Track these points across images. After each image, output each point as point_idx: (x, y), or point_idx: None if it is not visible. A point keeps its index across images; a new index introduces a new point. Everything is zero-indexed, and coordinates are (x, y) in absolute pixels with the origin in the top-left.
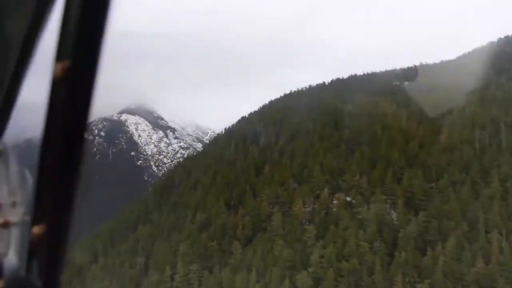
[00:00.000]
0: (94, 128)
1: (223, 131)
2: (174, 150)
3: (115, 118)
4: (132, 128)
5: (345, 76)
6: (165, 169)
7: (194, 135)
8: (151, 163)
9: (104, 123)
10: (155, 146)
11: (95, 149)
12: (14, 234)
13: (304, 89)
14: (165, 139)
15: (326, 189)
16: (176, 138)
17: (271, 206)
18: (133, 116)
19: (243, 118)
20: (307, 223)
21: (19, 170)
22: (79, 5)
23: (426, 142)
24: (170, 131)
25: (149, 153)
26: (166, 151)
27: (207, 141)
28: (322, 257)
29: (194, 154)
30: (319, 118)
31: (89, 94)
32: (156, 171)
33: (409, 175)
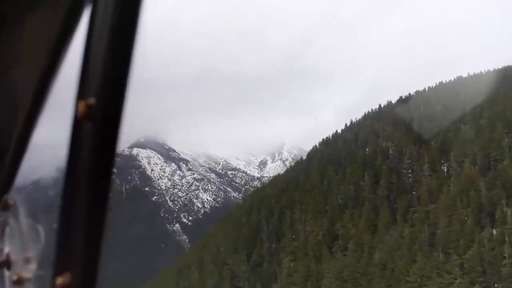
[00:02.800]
0: None
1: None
2: (188, 183)
3: (126, 153)
4: (144, 162)
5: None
6: (180, 203)
7: (207, 165)
8: (166, 197)
9: (116, 158)
10: (169, 179)
11: None
12: None
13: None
14: (178, 172)
15: None
16: (189, 169)
17: None
18: (144, 150)
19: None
20: None
21: (31, 223)
22: (103, 41)
23: None
24: (183, 163)
25: (163, 187)
26: (180, 184)
27: (221, 171)
28: None
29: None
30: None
31: (115, 133)
32: (172, 206)
33: None
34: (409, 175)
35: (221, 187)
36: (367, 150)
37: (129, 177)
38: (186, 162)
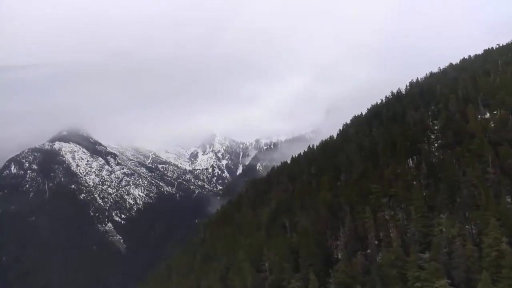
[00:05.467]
0: (23, 160)
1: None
2: (118, 178)
3: (47, 147)
4: (68, 157)
5: None
6: (111, 200)
7: (136, 159)
8: (95, 195)
9: (35, 154)
10: (97, 175)
11: (27, 186)
12: None
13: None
14: (106, 167)
15: None
16: (118, 164)
17: None
18: (67, 144)
19: None
20: None
21: None
22: None
23: None
24: (111, 157)
25: (91, 184)
26: (109, 179)
27: (151, 165)
28: None
29: None
30: None
31: None
32: (102, 204)
33: None
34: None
35: (153, 182)
36: None
37: (52, 174)
38: (114, 156)
